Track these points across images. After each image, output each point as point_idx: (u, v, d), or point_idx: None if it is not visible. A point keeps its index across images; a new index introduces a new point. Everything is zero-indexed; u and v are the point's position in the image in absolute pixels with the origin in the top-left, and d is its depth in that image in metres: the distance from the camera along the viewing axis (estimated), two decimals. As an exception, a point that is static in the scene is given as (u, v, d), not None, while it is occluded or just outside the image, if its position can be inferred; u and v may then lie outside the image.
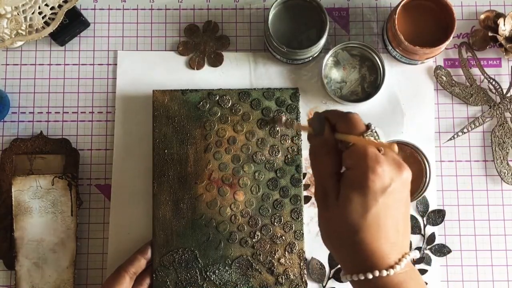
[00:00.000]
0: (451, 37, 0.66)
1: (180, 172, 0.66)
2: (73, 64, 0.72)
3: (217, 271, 0.65)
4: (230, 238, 0.65)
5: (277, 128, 0.67)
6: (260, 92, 0.68)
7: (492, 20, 0.72)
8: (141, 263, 0.64)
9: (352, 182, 0.46)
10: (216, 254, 0.65)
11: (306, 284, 0.65)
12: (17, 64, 0.72)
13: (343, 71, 0.71)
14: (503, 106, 0.71)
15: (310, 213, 0.69)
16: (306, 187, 0.69)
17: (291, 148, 0.67)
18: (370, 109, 0.70)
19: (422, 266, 0.68)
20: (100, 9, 0.74)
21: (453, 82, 0.71)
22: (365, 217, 0.45)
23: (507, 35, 0.71)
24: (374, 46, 0.70)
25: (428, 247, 0.69)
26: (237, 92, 0.68)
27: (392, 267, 0.45)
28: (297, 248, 0.66)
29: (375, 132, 0.48)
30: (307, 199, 0.69)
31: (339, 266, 0.68)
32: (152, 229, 0.65)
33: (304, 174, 0.69)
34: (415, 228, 0.69)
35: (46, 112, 0.71)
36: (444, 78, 0.71)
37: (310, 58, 0.70)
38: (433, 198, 0.70)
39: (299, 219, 0.66)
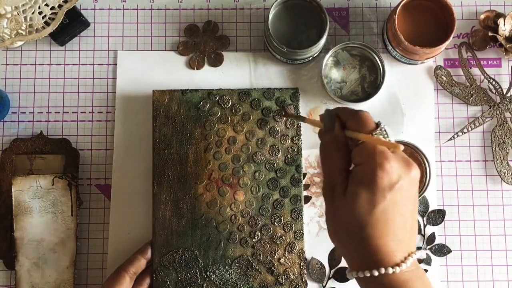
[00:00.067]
0: (451, 37, 0.66)
1: (180, 172, 0.66)
2: (73, 64, 0.72)
3: (217, 271, 0.65)
4: (230, 238, 0.65)
5: (277, 128, 0.67)
6: (260, 92, 0.68)
7: (492, 20, 0.72)
8: (141, 263, 0.64)
9: (361, 178, 0.46)
10: (216, 254, 0.65)
11: (306, 284, 0.65)
12: (17, 64, 0.72)
13: (343, 71, 0.71)
14: (503, 106, 0.71)
15: (310, 213, 0.69)
16: (306, 187, 0.69)
17: (291, 148, 0.67)
18: (370, 109, 0.70)
19: (422, 266, 0.68)
20: (100, 9, 0.74)
21: (453, 82, 0.71)
22: (373, 212, 0.45)
23: (507, 35, 0.71)
24: (374, 46, 0.70)
25: (428, 247, 0.69)
26: (237, 92, 0.68)
27: (398, 265, 0.45)
28: (297, 248, 0.66)
29: (384, 130, 0.48)
30: (307, 199, 0.69)
31: (339, 266, 0.68)
32: (152, 229, 0.65)
33: (304, 174, 0.69)
34: (415, 228, 0.69)
35: (46, 112, 0.71)
36: (444, 78, 0.71)
37: (310, 58, 0.70)
38: (433, 198, 0.70)
39: (299, 219, 0.66)
